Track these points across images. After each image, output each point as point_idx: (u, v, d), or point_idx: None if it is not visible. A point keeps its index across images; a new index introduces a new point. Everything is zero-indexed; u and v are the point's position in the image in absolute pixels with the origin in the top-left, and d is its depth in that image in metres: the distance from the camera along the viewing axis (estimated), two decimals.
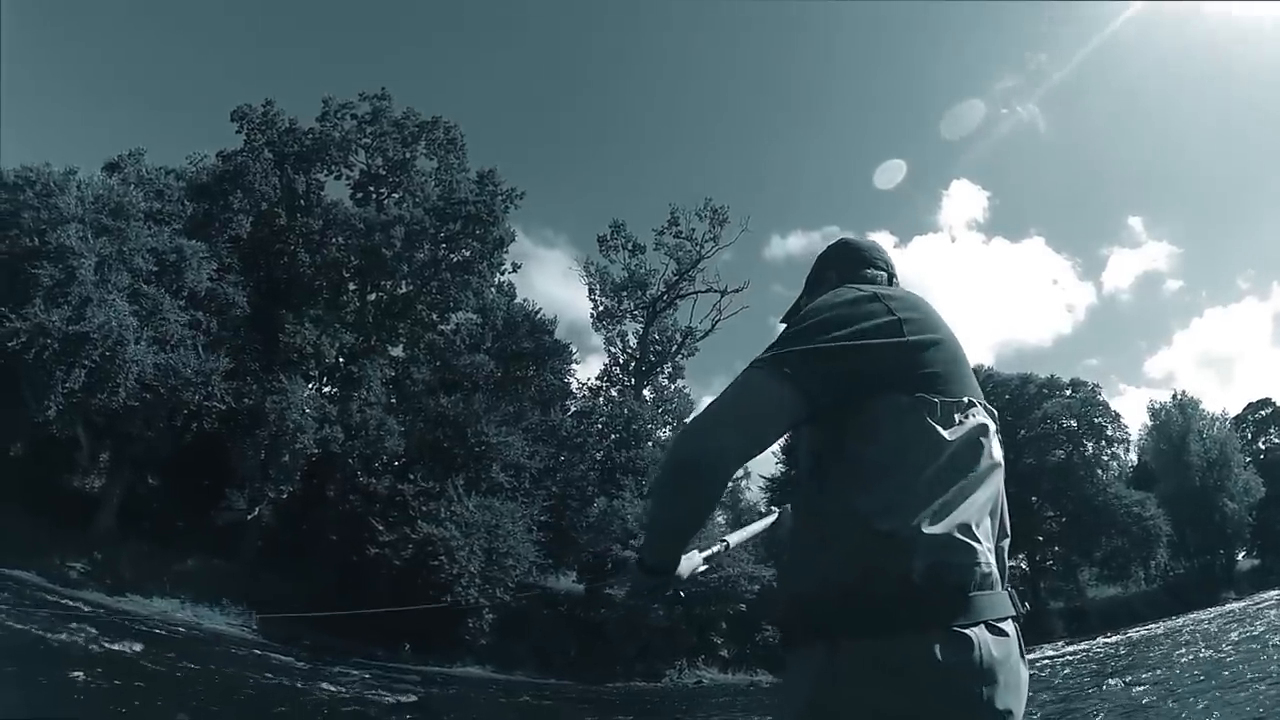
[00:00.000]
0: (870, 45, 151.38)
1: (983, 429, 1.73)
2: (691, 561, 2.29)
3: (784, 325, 2.19)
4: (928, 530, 1.57)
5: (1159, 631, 34.59)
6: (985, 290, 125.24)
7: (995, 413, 1.83)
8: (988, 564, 1.63)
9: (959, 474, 1.65)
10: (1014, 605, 1.67)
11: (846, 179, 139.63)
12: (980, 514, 1.67)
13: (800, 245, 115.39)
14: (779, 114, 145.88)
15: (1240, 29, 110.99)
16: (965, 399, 1.73)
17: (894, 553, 1.55)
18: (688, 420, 1.88)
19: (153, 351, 28.88)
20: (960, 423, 1.69)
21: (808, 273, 2.39)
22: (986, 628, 1.57)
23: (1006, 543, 1.82)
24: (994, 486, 1.73)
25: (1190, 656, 24.56)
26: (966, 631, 1.53)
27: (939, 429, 1.66)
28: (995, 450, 1.76)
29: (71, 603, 22.99)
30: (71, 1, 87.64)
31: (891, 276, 2.24)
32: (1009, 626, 1.63)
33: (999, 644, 1.57)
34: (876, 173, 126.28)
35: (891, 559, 1.55)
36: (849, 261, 2.26)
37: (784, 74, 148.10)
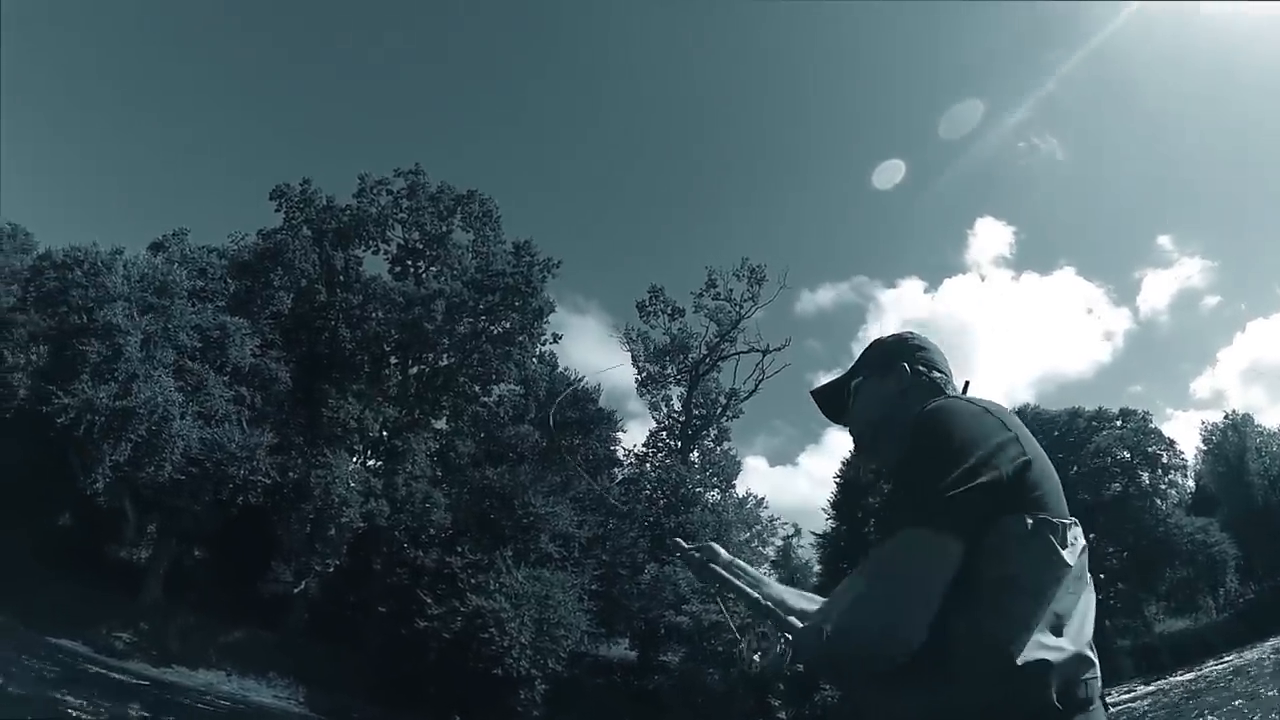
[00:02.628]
0: (887, 90, 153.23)
1: (1084, 546, 1.72)
2: (719, 561, 2.43)
3: (816, 400, 2.33)
4: (1062, 651, 1.57)
5: (1237, 664, 32.72)
6: (1020, 326, 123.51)
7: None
8: (1098, 674, 1.65)
9: (1077, 593, 1.66)
10: (1104, 710, 1.68)
11: (872, 229, 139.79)
12: (1090, 627, 1.67)
13: (830, 298, 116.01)
14: (800, 169, 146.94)
15: (1244, 28, 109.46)
16: (1071, 519, 1.71)
17: (1033, 680, 1.53)
18: (867, 599, 1.67)
19: (198, 426, 29.10)
20: (1072, 543, 1.67)
21: (864, 351, 2.30)
22: None
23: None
24: (1092, 598, 1.73)
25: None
26: None
27: (1061, 551, 1.64)
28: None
29: (118, 675, 22.56)
30: (119, 92, 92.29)
31: (950, 380, 2.17)
32: None
33: None
34: (875, 173, 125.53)
35: (1031, 687, 1.53)
36: (919, 359, 2.16)
37: (802, 131, 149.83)
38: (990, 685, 1.54)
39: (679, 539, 2.63)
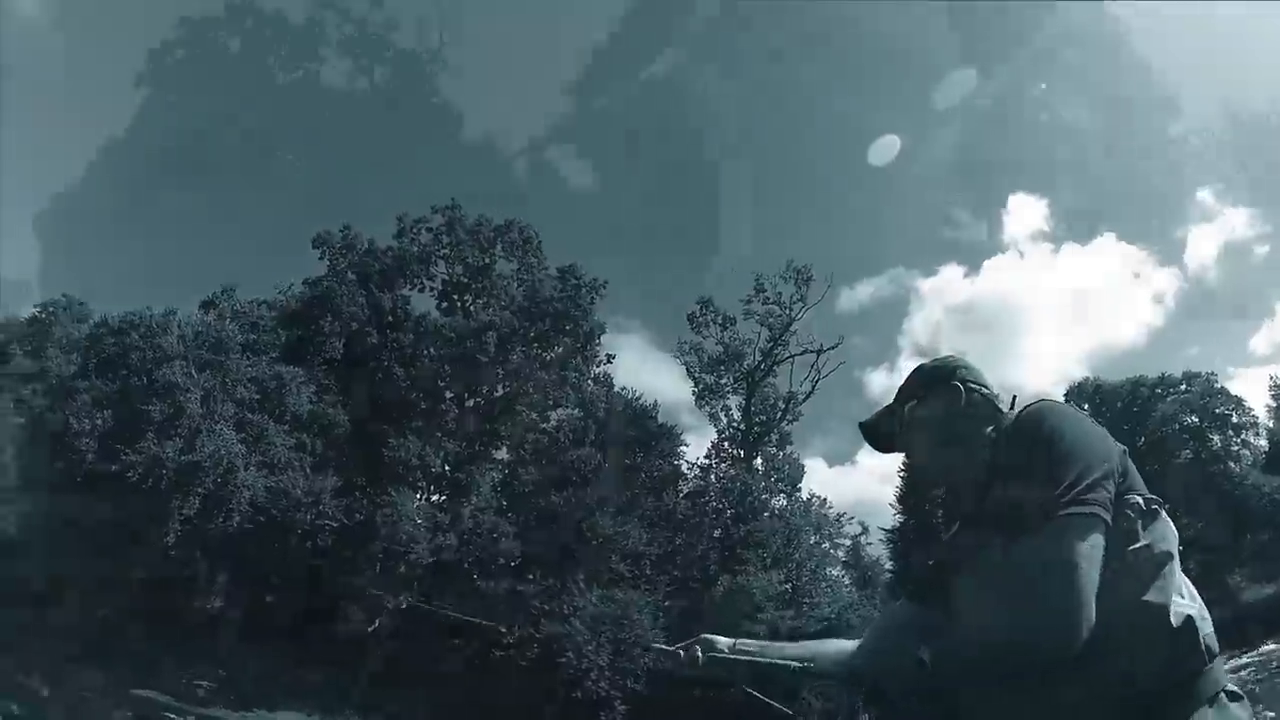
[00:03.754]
0: (904, 76, 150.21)
1: None
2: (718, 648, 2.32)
3: (865, 431, 2.40)
4: (1193, 607, 1.78)
5: None
6: (1067, 299, 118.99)
7: None
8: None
9: (1177, 557, 1.84)
10: None
11: (901, 219, 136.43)
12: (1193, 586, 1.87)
13: (868, 293, 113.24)
14: (816, 170, 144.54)
15: None
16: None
17: (1187, 637, 1.75)
18: (1047, 594, 1.70)
19: (262, 476, 29.64)
20: (1168, 517, 1.87)
21: (910, 377, 2.36)
22: None
23: None
24: None
25: None
26: (1235, 689, 1.82)
27: (1170, 522, 1.86)
28: None
29: None
30: (150, 155, 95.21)
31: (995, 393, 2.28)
32: None
33: None
34: (871, 150, 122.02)
35: (1187, 643, 1.75)
36: (969, 377, 2.25)
37: (814, 131, 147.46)
38: (1155, 650, 1.73)
39: (657, 644, 2.66)
